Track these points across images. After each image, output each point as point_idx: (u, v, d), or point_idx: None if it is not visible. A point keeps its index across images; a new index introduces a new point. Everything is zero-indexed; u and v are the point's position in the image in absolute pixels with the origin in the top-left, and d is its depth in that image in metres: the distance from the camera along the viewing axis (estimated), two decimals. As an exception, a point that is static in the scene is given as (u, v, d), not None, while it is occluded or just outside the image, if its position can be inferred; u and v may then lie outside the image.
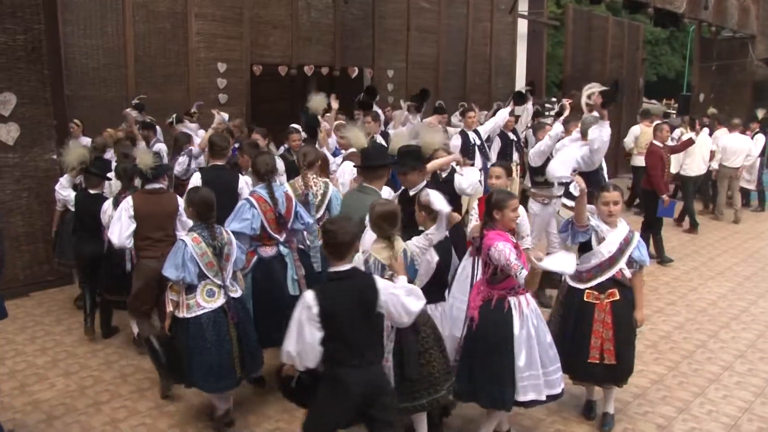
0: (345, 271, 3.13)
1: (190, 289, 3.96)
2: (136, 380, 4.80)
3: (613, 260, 4.05)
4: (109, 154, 6.42)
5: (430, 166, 4.68)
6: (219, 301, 3.99)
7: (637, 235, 4.15)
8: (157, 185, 4.86)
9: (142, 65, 8.94)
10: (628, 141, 11.47)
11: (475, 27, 14.37)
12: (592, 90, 6.06)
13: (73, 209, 5.57)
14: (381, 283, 3.19)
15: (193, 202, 4.06)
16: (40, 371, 4.97)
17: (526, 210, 5.60)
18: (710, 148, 10.34)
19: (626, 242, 4.07)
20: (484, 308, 3.74)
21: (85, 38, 8.42)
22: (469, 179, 5.04)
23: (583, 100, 6.18)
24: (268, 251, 4.59)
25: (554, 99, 20.52)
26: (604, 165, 6.20)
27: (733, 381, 4.93)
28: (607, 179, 6.28)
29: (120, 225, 4.65)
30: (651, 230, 8.14)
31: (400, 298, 3.15)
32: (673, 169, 9.59)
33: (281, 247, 4.63)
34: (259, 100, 11.20)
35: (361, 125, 6.70)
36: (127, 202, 4.71)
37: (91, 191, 5.53)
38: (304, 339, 3.01)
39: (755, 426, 4.34)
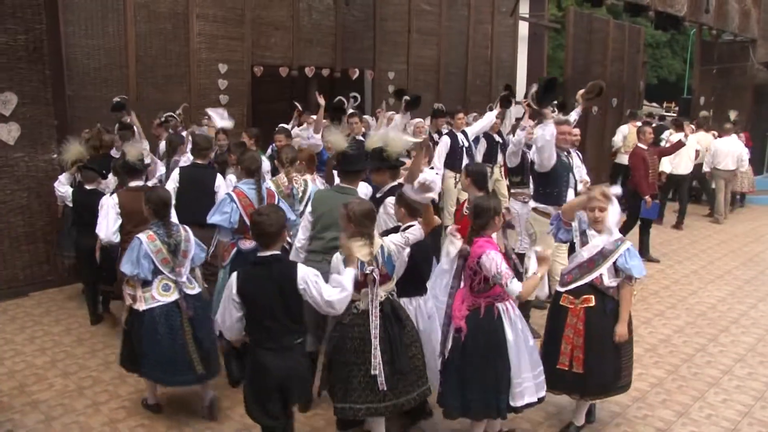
0: (267, 257, 3.32)
1: (147, 283, 4.11)
2: (135, 381, 4.78)
3: (592, 264, 3.92)
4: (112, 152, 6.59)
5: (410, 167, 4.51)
6: (173, 296, 4.13)
7: (626, 244, 3.93)
8: (140, 183, 5.05)
9: (144, 65, 8.94)
10: (617, 140, 11.88)
11: (476, 29, 14.38)
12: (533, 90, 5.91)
13: (70, 205, 5.76)
14: (302, 270, 3.32)
15: (150, 201, 4.19)
16: (39, 371, 4.97)
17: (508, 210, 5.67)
18: (695, 148, 10.62)
19: (612, 248, 3.89)
20: (472, 318, 3.67)
21: (87, 38, 8.41)
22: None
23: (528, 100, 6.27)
24: (247, 244, 4.69)
25: (555, 102, 20.48)
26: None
27: (733, 385, 4.93)
28: (580, 178, 6.37)
29: (107, 221, 4.84)
30: (630, 230, 8.23)
31: (319, 285, 3.29)
32: (667, 170, 9.96)
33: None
34: (259, 101, 11.20)
35: (347, 126, 6.81)
36: (113, 199, 4.91)
37: (87, 187, 5.71)
38: (226, 315, 3.32)
39: (755, 430, 4.33)
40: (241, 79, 10.03)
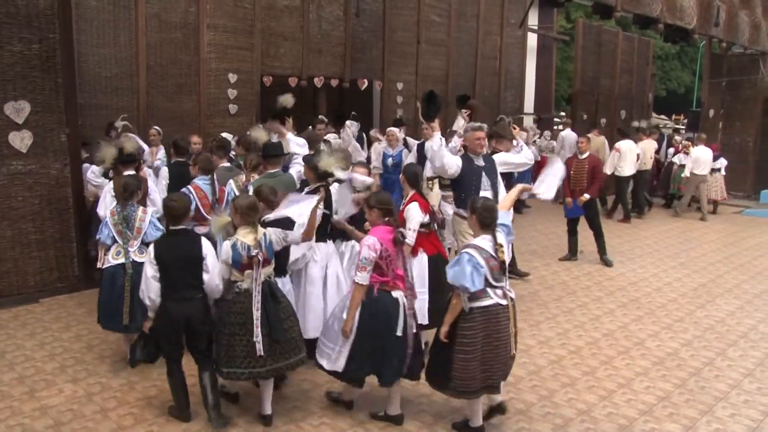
0: (178, 230, 4.27)
1: (108, 248, 5.17)
2: (143, 388, 4.81)
3: None
4: None
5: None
6: (121, 260, 5.09)
7: (460, 255, 3.97)
8: (132, 171, 5.83)
9: (154, 75, 9.02)
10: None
11: (485, 41, 14.44)
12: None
13: (111, 194, 6.04)
14: (205, 243, 4.25)
15: (116, 186, 5.42)
16: (49, 377, 5.00)
17: (440, 211, 6.20)
18: (636, 152, 12.08)
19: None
20: (368, 294, 4.16)
21: (99, 47, 8.51)
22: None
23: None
24: (201, 229, 5.51)
25: (563, 113, 20.54)
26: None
27: (741, 399, 4.91)
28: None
29: (105, 202, 5.70)
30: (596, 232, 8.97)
31: (216, 262, 4.23)
32: (608, 171, 11.57)
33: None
34: (268, 111, 11.26)
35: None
36: (110, 185, 5.77)
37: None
38: (146, 275, 4.16)
39: (763, 445, 4.31)
40: (250, 89, 10.10)
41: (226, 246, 4.19)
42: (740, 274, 8.60)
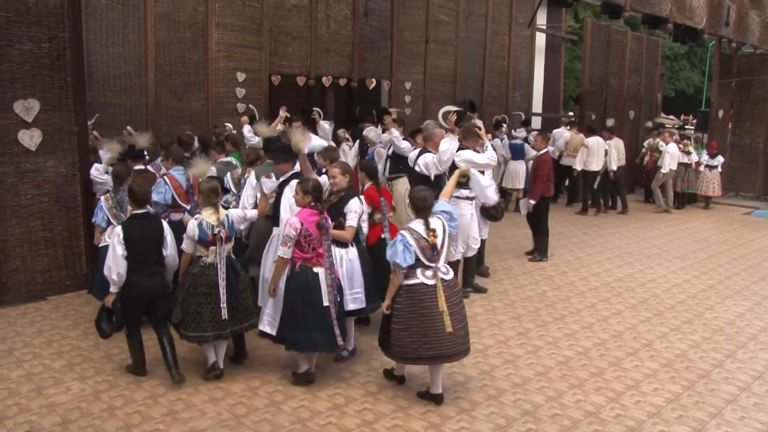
0: (142, 213, 4.90)
1: (104, 229, 5.85)
2: (150, 386, 4.82)
3: None
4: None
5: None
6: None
7: (396, 237, 4.53)
8: (142, 166, 6.58)
9: (162, 73, 9.05)
10: (560, 144, 13.15)
11: (494, 40, 14.41)
12: (447, 109, 6.85)
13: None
14: (166, 226, 4.94)
15: (113, 173, 6.06)
16: (56, 374, 5.01)
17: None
18: (605, 148, 12.56)
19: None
20: (291, 268, 4.73)
21: (108, 46, 8.54)
22: None
23: (440, 117, 7.00)
24: (176, 216, 6.18)
25: (571, 113, 20.50)
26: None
27: (751, 402, 4.87)
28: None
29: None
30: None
31: (173, 241, 4.93)
32: (578, 167, 12.54)
33: (187, 214, 6.02)
34: (276, 110, 11.26)
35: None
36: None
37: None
38: (116, 254, 4.64)
39: (773, 448, 4.28)
40: (258, 88, 10.11)
41: (192, 224, 4.76)
42: (750, 276, 8.55)
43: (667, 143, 13.27)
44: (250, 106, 9.70)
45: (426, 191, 4.65)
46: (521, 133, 12.99)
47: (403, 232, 4.49)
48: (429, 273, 4.44)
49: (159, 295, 4.87)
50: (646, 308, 7.03)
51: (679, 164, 13.88)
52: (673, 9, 12.33)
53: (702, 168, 14.06)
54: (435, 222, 4.51)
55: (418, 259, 4.40)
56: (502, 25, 14.62)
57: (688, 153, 14.03)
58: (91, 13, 8.26)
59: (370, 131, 8.67)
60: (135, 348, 4.99)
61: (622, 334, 6.21)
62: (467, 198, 6.86)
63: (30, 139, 6.62)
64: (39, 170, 6.73)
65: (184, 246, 4.84)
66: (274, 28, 10.20)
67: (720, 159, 14.22)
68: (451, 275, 4.57)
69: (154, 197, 5.94)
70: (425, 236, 4.43)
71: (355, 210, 5.13)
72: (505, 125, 12.60)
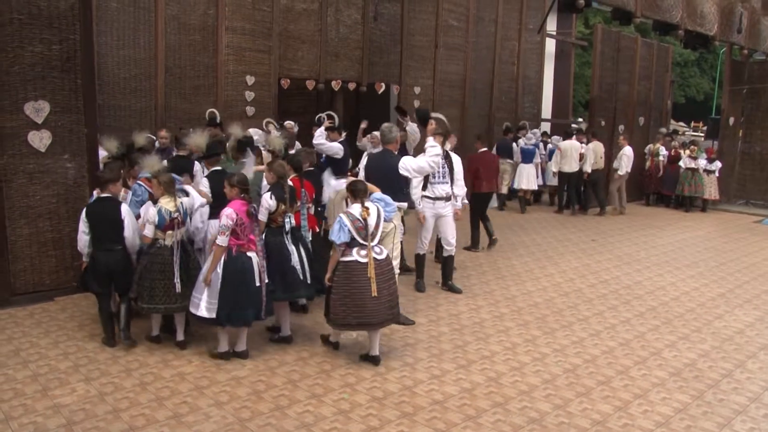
0: (104, 197, 5.54)
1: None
2: (156, 389, 4.82)
3: None
4: None
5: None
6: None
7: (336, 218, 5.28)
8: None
9: (172, 76, 9.08)
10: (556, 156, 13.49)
11: (503, 45, 14.39)
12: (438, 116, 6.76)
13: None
14: (124, 207, 5.55)
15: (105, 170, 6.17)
16: (62, 376, 5.01)
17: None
18: (579, 151, 13.12)
19: None
20: (228, 253, 5.23)
21: (118, 49, 8.58)
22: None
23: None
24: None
25: (580, 119, 20.37)
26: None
27: (761, 413, 4.81)
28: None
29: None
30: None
31: (132, 218, 5.54)
32: (554, 169, 13.29)
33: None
34: (285, 113, 11.29)
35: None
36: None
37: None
38: (80, 230, 5.46)
39: (782, 460, 4.22)
40: (267, 92, 10.13)
41: (153, 211, 5.33)
42: (760, 285, 8.47)
43: (622, 146, 13.71)
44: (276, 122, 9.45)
45: (361, 183, 5.52)
46: (532, 139, 13.72)
47: (341, 214, 5.23)
48: (363, 252, 5.16)
49: (119, 269, 5.48)
50: (654, 316, 6.98)
51: (687, 169, 14.63)
52: (684, 15, 12.28)
53: (701, 172, 14.69)
54: (370, 205, 5.28)
55: (354, 239, 5.14)
56: (512, 31, 14.60)
57: (695, 158, 14.65)
58: (102, 16, 8.30)
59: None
60: (104, 319, 5.61)
61: (630, 342, 6.17)
62: (443, 198, 7.33)
63: (40, 140, 6.64)
64: (48, 171, 6.75)
65: (146, 231, 5.38)
66: (284, 31, 10.23)
67: (717, 164, 14.69)
68: (384, 255, 5.28)
69: (131, 201, 5.99)
70: (359, 217, 5.16)
71: (263, 205, 5.59)
72: (526, 130, 13.77)
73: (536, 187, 13.95)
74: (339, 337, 5.64)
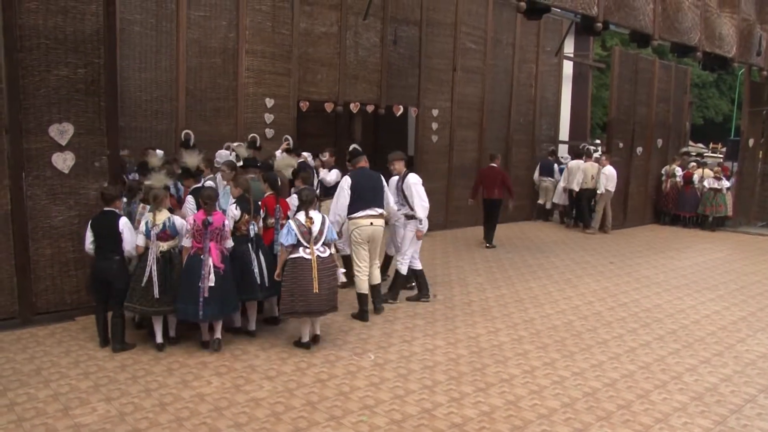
0: (107, 211, 6.00)
1: None
2: (175, 409, 4.83)
3: None
4: None
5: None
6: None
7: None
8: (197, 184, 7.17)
9: (193, 98, 9.22)
10: (578, 178, 14.01)
11: (521, 68, 14.45)
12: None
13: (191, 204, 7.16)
14: (123, 220, 5.99)
15: (126, 187, 6.92)
16: (83, 395, 5.05)
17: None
18: (584, 171, 13.85)
19: None
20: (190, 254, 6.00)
21: (140, 72, 8.74)
22: None
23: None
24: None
25: (598, 141, 20.34)
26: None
27: (785, 439, 4.73)
28: None
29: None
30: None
31: (131, 231, 6.00)
32: (563, 184, 14.23)
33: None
34: (304, 135, 11.42)
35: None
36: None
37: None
38: (86, 240, 6.00)
39: (809, 488, 4.13)
40: (286, 114, 10.25)
41: (142, 224, 5.96)
42: (783, 309, 8.35)
43: (603, 166, 13.87)
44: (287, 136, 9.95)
45: (309, 191, 6.26)
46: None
47: (290, 221, 6.01)
48: (307, 251, 5.92)
49: (115, 277, 5.94)
50: (674, 340, 6.89)
51: (710, 189, 14.99)
52: (702, 38, 12.26)
53: (723, 192, 15.12)
54: (315, 214, 6.03)
55: (299, 241, 5.90)
56: (530, 53, 14.66)
57: (719, 179, 14.97)
58: (125, 40, 8.47)
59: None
60: (99, 325, 6.13)
61: (650, 365, 6.10)
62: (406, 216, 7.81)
63: (63, 161, 6.76)
64: (71, 192, 6.85)
65: (138, 240, 5.94)
66: (303, 55, 10.36)
67: (726, 183, 15.19)
68: (327, 254, 6.02)
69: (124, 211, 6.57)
70: (304, 223, 5.94)
71: (229, 214, 6.23)
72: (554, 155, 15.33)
73: (556, 200, 14.94)
74: (307, 338, 6.19)
